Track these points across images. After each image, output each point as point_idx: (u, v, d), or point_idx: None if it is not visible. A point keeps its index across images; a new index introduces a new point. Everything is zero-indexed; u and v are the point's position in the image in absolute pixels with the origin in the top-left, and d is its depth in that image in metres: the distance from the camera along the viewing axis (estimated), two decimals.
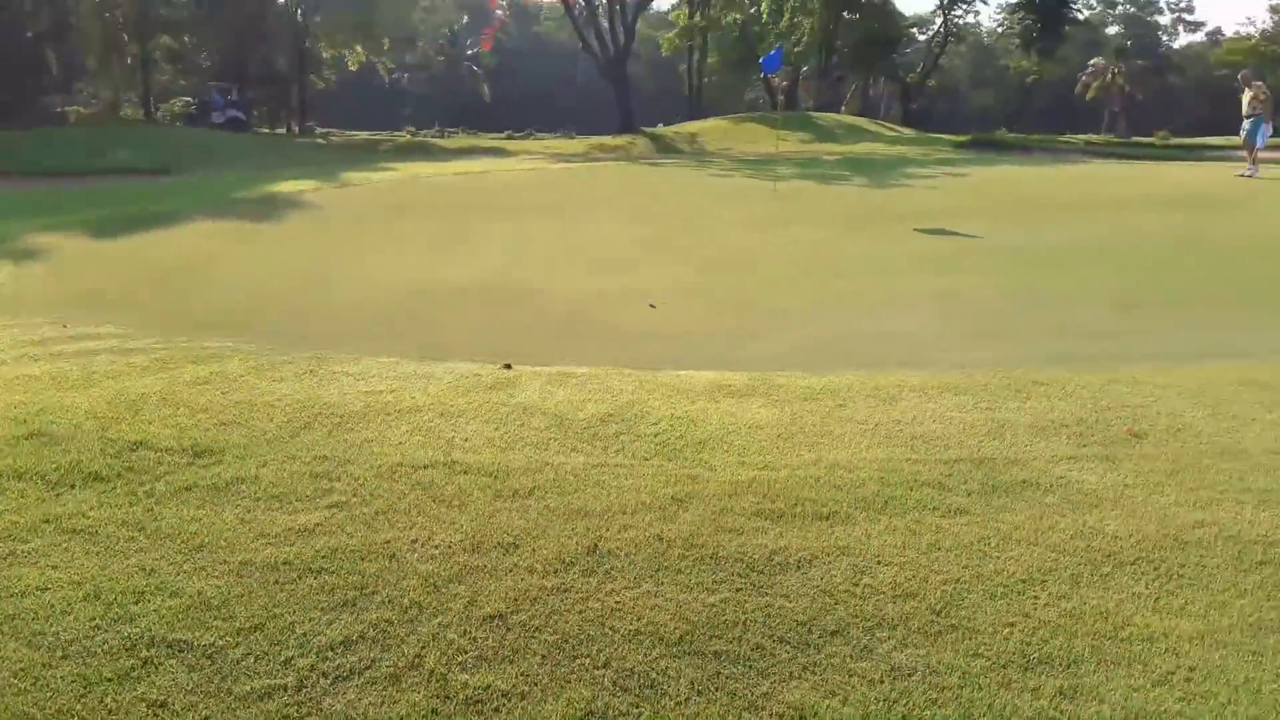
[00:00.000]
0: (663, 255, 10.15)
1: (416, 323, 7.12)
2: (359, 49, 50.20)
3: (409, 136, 45.50)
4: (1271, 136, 19.34)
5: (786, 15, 48.73)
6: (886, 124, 41.54)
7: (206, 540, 3.37)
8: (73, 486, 3.82)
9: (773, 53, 16.53)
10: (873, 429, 4.37)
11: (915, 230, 11.66)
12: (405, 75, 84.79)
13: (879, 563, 3.21)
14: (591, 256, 10.06)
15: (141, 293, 8.12)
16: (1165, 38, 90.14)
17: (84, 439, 4.27)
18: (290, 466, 3.98)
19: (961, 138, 32.35)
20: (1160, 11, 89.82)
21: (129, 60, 46.52)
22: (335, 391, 5.00)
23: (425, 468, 3.96)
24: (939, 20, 55.63)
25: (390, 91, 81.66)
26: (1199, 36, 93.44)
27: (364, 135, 44.96)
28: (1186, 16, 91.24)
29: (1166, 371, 5.29)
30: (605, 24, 43.11)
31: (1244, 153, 18.94)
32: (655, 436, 4.28)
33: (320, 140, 39.09)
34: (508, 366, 5.57)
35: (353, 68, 53.27)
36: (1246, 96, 18.44)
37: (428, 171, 19.72)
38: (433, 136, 47.89)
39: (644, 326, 6.97)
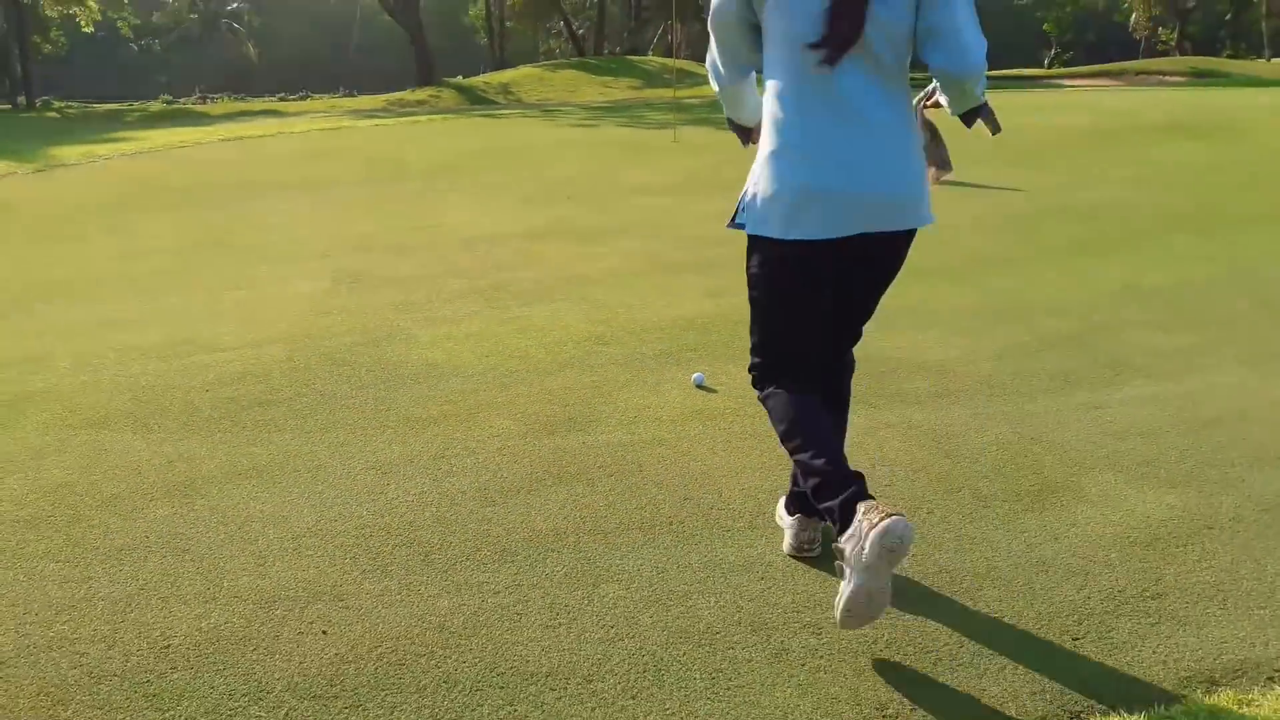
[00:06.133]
0: (601, 255, 6.38)
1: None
2: (91, 4, 41.99)
3: (163, 105, 38.58)
4: None
5: None
6: None
7: None
8: None
9: None
10: None
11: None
12: (156, 41, 75.16)
13: None
14: (485, 267, 6.13)
15: None
16: None
17: None
18: None
19: None
20: None
21: None
22: None
23: None
24: None
25: (143, 57, 72.14)
26: None
27: (108, 106, 37.69)
28: None
29: None
30: None
31: None
32: None
33: (53, 114, 31.84)
34: None
35: (86, 29, 44.73)
36: None
37: (184, 139, 14.73)
38: (194, 103, 41.05)
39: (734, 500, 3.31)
